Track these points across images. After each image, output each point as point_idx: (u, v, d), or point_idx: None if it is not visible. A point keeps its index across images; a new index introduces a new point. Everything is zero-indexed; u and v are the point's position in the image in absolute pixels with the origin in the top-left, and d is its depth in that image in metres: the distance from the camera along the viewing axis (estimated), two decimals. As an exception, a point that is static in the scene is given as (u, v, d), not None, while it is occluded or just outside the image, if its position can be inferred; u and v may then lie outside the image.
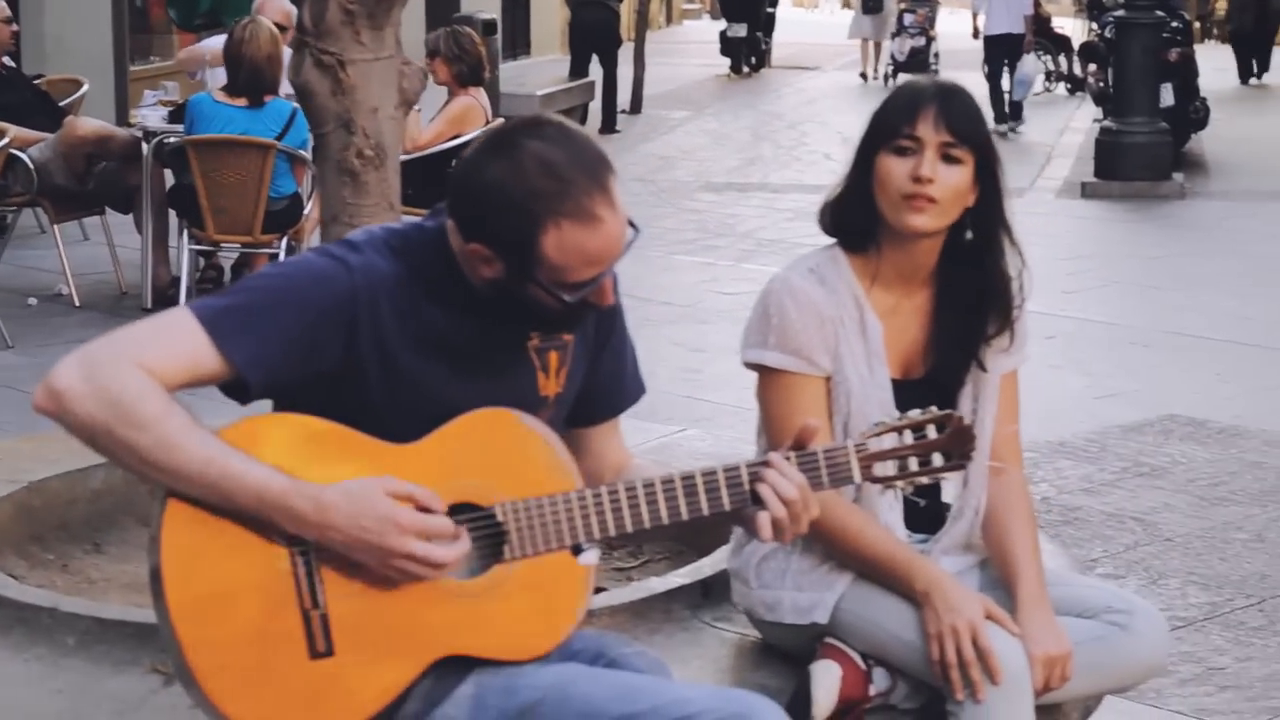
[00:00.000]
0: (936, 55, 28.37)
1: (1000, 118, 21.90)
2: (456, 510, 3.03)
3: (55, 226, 11.19)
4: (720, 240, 14.35)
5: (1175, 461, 8.41)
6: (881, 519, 3.66)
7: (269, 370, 3.00)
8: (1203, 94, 19.36)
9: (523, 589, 3.05)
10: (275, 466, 2.94)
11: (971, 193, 3.64)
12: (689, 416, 8.49)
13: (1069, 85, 27.27)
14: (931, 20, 28.77)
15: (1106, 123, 17.54)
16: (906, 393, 3.69)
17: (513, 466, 3.08)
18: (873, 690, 3.58)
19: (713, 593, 4.06)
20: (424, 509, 2.96)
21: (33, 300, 11.13)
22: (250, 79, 10.08)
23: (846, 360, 3.67)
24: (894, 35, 28.56)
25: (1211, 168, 18.94)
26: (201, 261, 11.16)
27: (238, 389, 3.02)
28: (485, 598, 3.04)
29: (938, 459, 3.18)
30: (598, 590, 4.10)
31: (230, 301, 3.02)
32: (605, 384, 3.39)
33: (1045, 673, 3.53)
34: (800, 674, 3.55)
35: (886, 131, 3.63)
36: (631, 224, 3.09)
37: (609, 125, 21.60)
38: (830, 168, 18.86)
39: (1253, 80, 28.61)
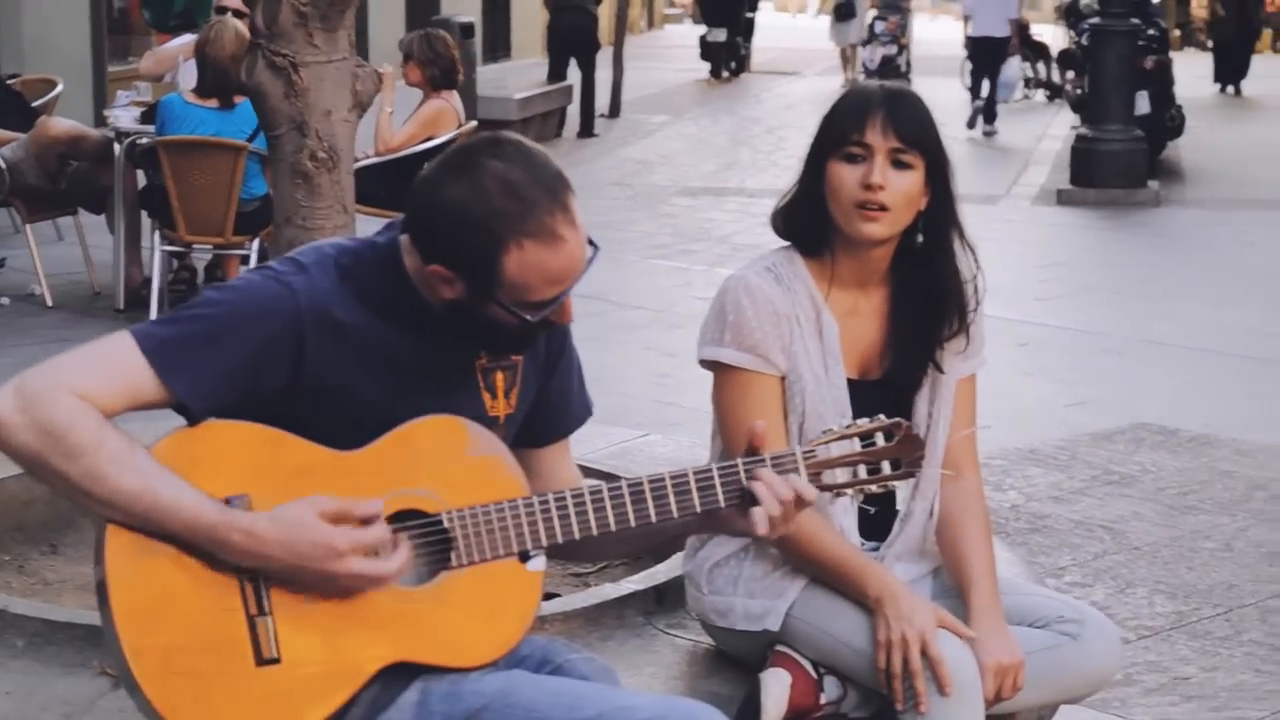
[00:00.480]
0: (909, 64, 28.04)
1: (976, 121, 22.08)
2: (403, 517, 3.01)
3: (28, 226, 11.16)
4: (696, 245, 14.34)
5: (1145, 470, 8.40)
6: (835, 523, 3.64)
7: (212, 398, 2.98)
8: (1179, 102, 19.38)
9: (470, 596, 3.03)
10: (222, 475, 2.93)
11: (923, 196, 3.63)
12: (660, 421, 8.46)
13: (1048, 92, 27.32)
14: (903, 28, 28.24)
15: (1082, 130, 17.55)
16: (863, 394, 3.69)
17: (459, 473, 3.06)
18: (823, 699, 3.56)
19: (667, 599, 4.04)
20: (359, 520, 2.93)
21: (4, 300, 11.09)
22: (216, 80, 10.03)
23: (801, 359, 3.66)
24: (865, 43, 28.16)
25: (1188, 175, 18.98)
26: (175, 263, 11.12)
27: (183, 410, 3.00)
28: (432, 605, 3.02)
29: (887, 466, 3.17)
30: (553, 596, 4.08)
31: (174, 332, 2.99)
32: (554, 405, 3.37)
33: (997, 682, 3.51)
34: (750, 682, 3.52)
35: (836, 139, 3.62)
36: (591, 242, 3.07)
37: (587, 129, 21.58)
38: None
39: (1229, 89, 28.77)
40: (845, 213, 3.60)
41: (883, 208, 3.58)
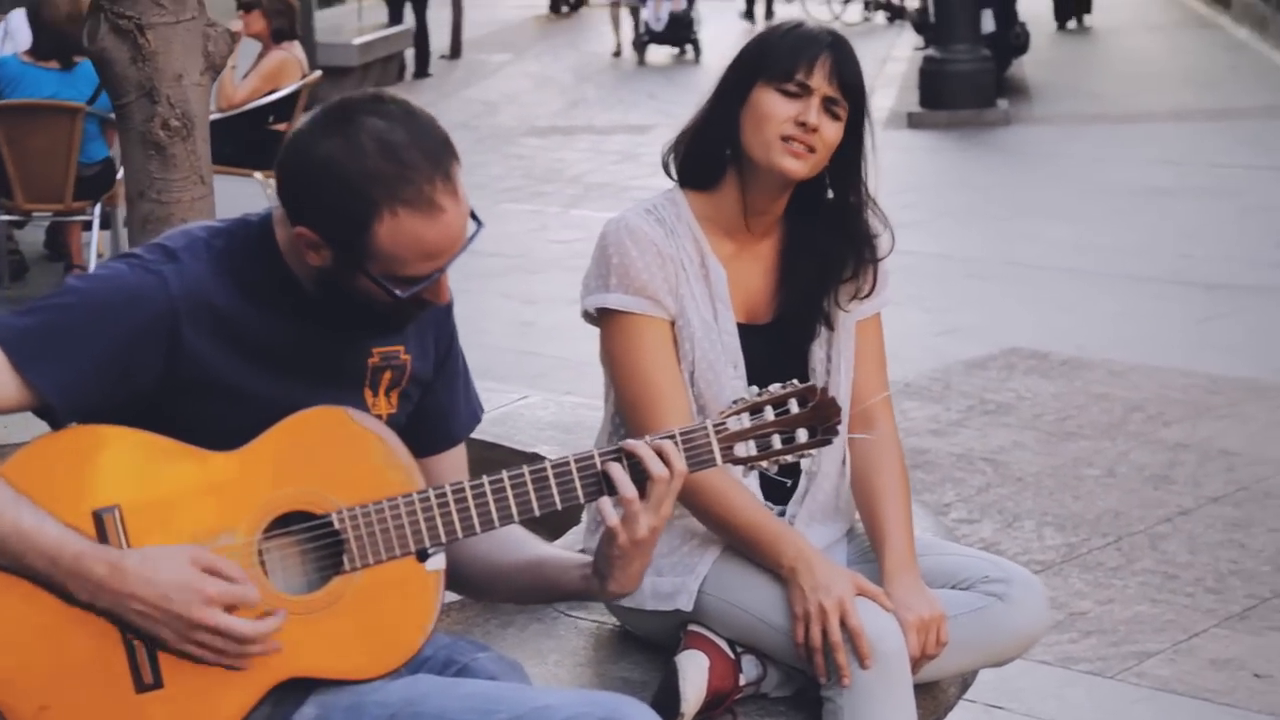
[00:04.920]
0: (695, 23, 23.33)
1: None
2: (290, 519, 2.78)
3: None
4: (548, 186, 14.12)
5: (1020, 397, 8.31)
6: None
7: (79, 396, 2.72)
8: (1021, 18, 19.36)
9: (365, 602, 2.80)
10: (89, 485, 2.69)
11: None
12: (524, 373, 8.28)
13: (888, 14, 27.25)
14: None
15: (930, 52, 17.48)
16: (753, 338, 3.54)
17: (348, 468, 2.82)
18: (743, 680, 3.37)
19: (566, 579, 3.83)
20: (228, 578, 2.70)
21: None
22: (53, 41, 9.66)
23: (689, 304, 3.49)
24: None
25: (1034, 93, 18.96)
26: (14, 234, 10.71)
27: (45, 413, 2.74)
28: (325, 613, 2.78)
29: (802, 435, 2.98)
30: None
31: (34, 321, 2.73)
32: (442, 410, 3.12)
33: (920, 638, 3.34)
34: (666, 666, 3.33)
35: (775, 70, 3.45)
36: (474, 216, 2.83)
37: (421, 70, 21.29)
38: (656, 106, 18.69)
39: (1070, 24, 25.45)
40: (767, 142, 3.43)
41: (810, 149, 3.41)
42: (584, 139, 16.69)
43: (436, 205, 2.74)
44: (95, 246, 9.95)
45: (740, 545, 3.44)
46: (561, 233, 11.91)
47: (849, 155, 3.50)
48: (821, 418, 2.98)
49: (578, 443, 4.63)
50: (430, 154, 2.75)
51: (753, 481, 3.51)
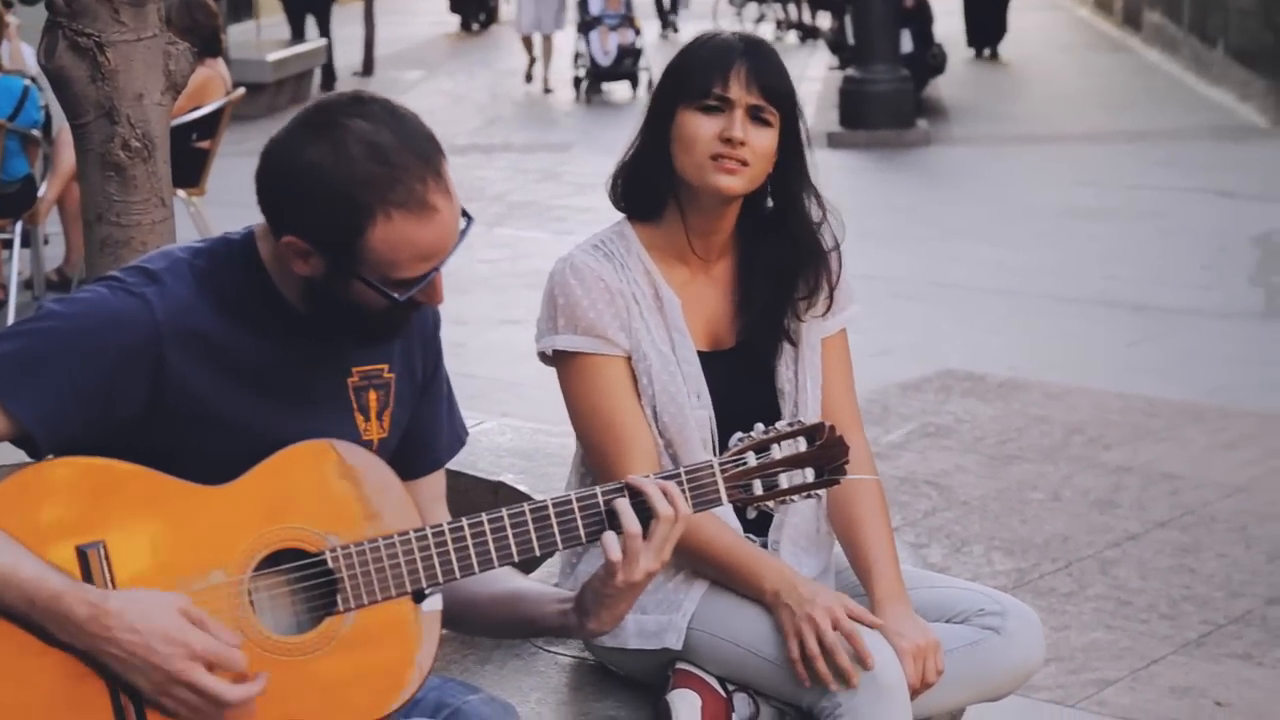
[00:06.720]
0: (643, 54, 21.03)
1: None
2: (281, 557, 2.66)
3: None
4: (470, 205, 13.53)
5: (960, 419, 8.25)
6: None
7: (61, 425, 2.60)
8: (938, 39, 19.40)
9: (360, 643, 2.69)
10: (72, 520, 2.57)
11: (774, 155, 3.41)
12: (460, 394, 8.09)
13: (800, 33, 27.26)
14: (629, 3, 21.22)
15: (850, 72, 17.46)
16: (717, 364, 3.46)
17: (341, 504, 2.71)
18: (735, 718, 3.27)
19: (543, 613, 3.71)
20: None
21: None
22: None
23: (643, 337, 3.40)
24: (582, 29, 21.05)
25: (951, 114, 18.98)
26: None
27: (24, 443, 2.61)
28: (317, 655, 2.67)
29: (810, 474, 2.88)
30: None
31: (12, 347, 2.61)
32: (424, 432, 3.01)
33: (917, 665, 3.25)
34: (657, 706, 3.22)
35: (691, 89, 3.37)
36: (465, 213, 2.74)
37: (328, 87, 21.12)
38: (573, 125, 18.61)
39: (985, 53, 24.18)
40: (698, 165, 3.35)
41: (743, 163, 3.33)
42: (503, 157, 16.56)
43: (429, 205, 2.65)
44: (15, 265, 9.77)
45: (719, 576, 3.34)
46: (486, 252, 11.77)
47: (788, 163, 3.42)
48: (829, 456, 2.90)
49: (540, 470, 4.53)
50: (419, 153, 2.66)
51: (729, 513, 3.41)
